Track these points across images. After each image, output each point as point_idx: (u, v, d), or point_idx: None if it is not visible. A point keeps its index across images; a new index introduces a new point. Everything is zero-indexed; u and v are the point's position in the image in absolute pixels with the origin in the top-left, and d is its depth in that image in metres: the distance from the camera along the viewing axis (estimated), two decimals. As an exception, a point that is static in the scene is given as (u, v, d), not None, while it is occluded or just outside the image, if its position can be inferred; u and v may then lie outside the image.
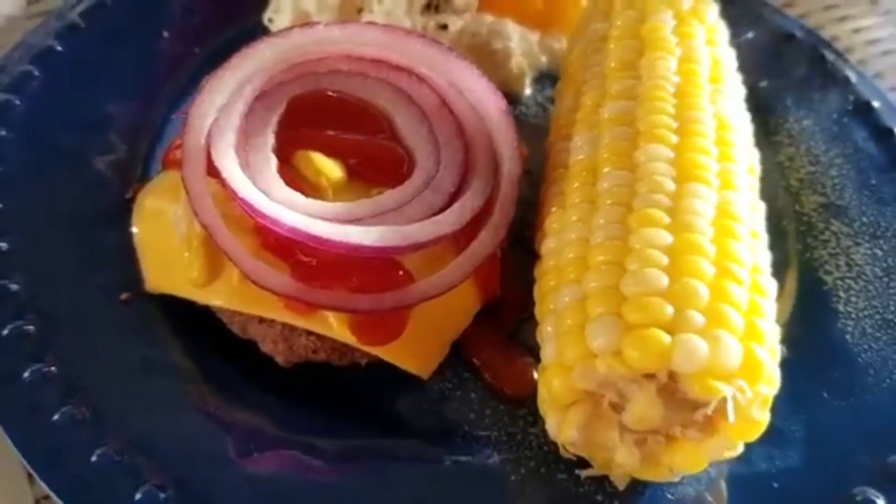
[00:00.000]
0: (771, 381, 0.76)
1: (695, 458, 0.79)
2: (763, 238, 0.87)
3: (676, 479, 0.82)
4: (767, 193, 0.96)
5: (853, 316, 0.97)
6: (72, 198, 0.95)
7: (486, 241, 0.87)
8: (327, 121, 0.90)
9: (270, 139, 0.87)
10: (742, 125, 0.95)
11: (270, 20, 1.19)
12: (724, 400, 0.72)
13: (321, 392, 0.87)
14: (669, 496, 0.82)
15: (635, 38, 0.99)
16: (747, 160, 0.92)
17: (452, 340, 0.90)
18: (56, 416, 0.79)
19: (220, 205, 0.82)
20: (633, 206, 0.82)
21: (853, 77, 1.22)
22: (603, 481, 0.81)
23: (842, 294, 0.99)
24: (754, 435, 0.77)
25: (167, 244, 0.87)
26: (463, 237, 0.86)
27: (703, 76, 0.95)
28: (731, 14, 1.09)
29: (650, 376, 0.74)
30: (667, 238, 0.78)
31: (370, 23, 0.97)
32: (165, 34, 1.14)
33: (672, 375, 0.73)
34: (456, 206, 0.86)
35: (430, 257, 0.85)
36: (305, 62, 0.92)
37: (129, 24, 1.12)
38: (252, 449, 0.81)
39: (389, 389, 0.89)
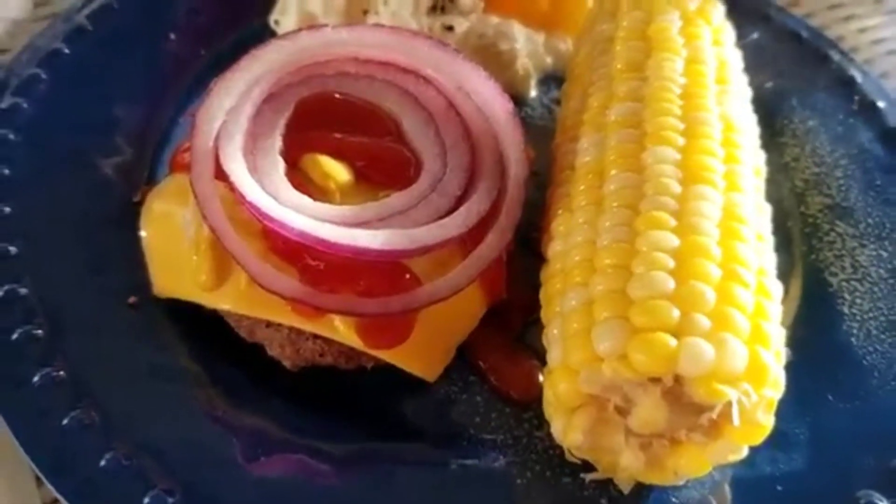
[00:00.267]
0: (776, 385, 0.76)
1: (699, 462, 0.79)
2: (769, 240, 0.87)
3: (681, 483, 0.82)
4: (772, 195, 0.96)
5: (858, 318, 0.97)
6: (79, 201, 0.95)
7: (493, 243, 0.87)
8: (334, 123, 0.90)
9: (278, 142, 0.87)
10: (748, 127, 0.95)
11: (276, 22, 1.19)
12: (730, 404, 0.72)
13: (328, 396, 0.88)
14: (674, 500, 0.82)
15: (642, 39, 0.99)
16: (753, 162, 0.92)
17: (458, 344, 0.90)
18: (65, 421, 0.79)
19: (228, 208, 0.83)
20: (640, 208, 0.82)
21: (859, 77, 1.22)
22: (608, 485, 0.82)
23: (847, 296, 0.99)
24: (759, 438, 0.77)
25: (175, 248, 0.87)
26: (469, 240, 0.87)
27: (709, 77, 0.95)
28: (737, 15, 1.09)
29: (656, 380, 0.74)
30: (673, 241, 0.78)
31: (377, 25, 0.98)
32: (172, 36, 1.14)
33: (678, 379, 0.73)
34: (462, 209, 0.86)
35: (436, 260, 0.85)
36: (313, 64, 0.93)
37: (135, 27, 1.13)
38: (259, 453, 0.82)
39: (395, 393, 0.89)
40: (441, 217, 0.86)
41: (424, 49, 0.94)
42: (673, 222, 0.80)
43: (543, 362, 0.84)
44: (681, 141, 0.87)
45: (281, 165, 0.86)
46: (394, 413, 0.88)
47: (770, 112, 1.15)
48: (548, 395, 0.80)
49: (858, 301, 0.99)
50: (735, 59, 1.04)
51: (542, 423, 0.85)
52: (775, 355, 0.77)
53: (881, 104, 1.18)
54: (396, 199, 0.86)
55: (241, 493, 0.78)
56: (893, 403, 0.90)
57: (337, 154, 0.88)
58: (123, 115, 1.05)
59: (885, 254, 1.02)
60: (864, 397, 0.90)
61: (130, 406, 0.82)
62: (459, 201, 0.88)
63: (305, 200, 0.83)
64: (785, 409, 0.78)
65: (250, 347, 0.88)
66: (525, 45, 1.20)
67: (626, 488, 0.81)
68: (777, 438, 0.78)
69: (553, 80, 1.22)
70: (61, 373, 0.82)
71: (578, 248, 0.83)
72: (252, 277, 0.81)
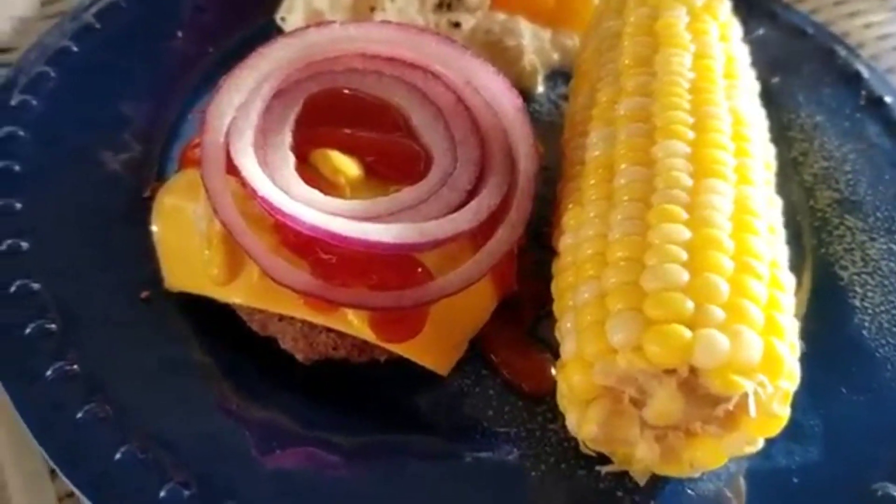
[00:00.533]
0: (791, 376, 0.76)
1: (715, 454, 0.79)
2: (780, 233, 0.87)
3: (696, 475, 0.82)
4: (781, 189, 0.96)
5: (870, 311, 0.97)
6: (90, 197, 0.96)
7: (504, 237, 0.87)
8: (344, 119, 0.90)
9: (288, 137, 0.87)
10: (757, 121, 0.96)
11: (283, 19, 1.19)
12: (746, 395, 0.72)
13: (340, 389, 0.88)
14: (689, 492, 0.82)
15: (649, 34, 0.99)
16: (763, 155, 0.92)
17: (471, 337, 0.90)
18: (79, 414, 0.79)
19: (239, 203, 0.83)
20: (651, 201, 0.82)
21: (865, 72, 1.22)
22: (623, 477, 0.82)
23: (858, 289, 0.99)
24: (775, 430, 0.77)
25: (187, 242, 0.87)
26: (480, 234, 0.87)
27: (717, 72, 0.95)
28: (742, 10, 1.09)
29: (671, 372, 0.74)
30: (685, 233, 0.78)
31: (385, 21, 0.98)
32: (179, 34, 1.14)
33: (693, 371, 0.73)
34: (473, 203, 0.86)
35: (448, 254, 0.85)
36: (321, 60, 0.93)
37: (143, 25, 1.13)
38: (273, 446, 0.82)
39: (408, 386, 0.89)
40: (452, 211, 0.86)
41: (432, 45, 0.94)
42: (685, 215, 0.80)
43: (555, 355, 0.84)
44: (691, 135, 0.87)
45: (291, 160, 0.86)
46: (406, 406, 0.88)
47: (778, 107, 1.16)
48: (562, 388, 0.80)
49: (870, 294, 0.99)
50: (742, 54, 1.04)
51: (555, 415, 0.85)
52: (790, 346, 0.77)
53: (888, 99, 1.18)
54: (407, 194, 0.86)
55: (256, 486, 0.78)
56: (907, 395, 0.90)
57: (346, 149, 0.88)
58: (131, 112, 1.05)
59: (895, 247, 1.03)
60: (877, 390, 0.91)
61: (144, 399, 0.82)
62: (470, 196, 0.88)
63: (316, 195, 0.83)
64: (799, 402, 0.78)
65: (262, 341, 0.88)
66: (532, 41, 1.20)
67: (641, 480, 0.81)
68: (792, 430, 0.78)
69: (560, 75, 1.22)
70: (75, 367, 0.82)
71: (590, 242, 0.83)
72: (264, 271, 0.81)
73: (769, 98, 1.08)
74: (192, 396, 0.83)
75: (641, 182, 0.84)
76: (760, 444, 0.79)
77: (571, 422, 0.80)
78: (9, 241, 0.89)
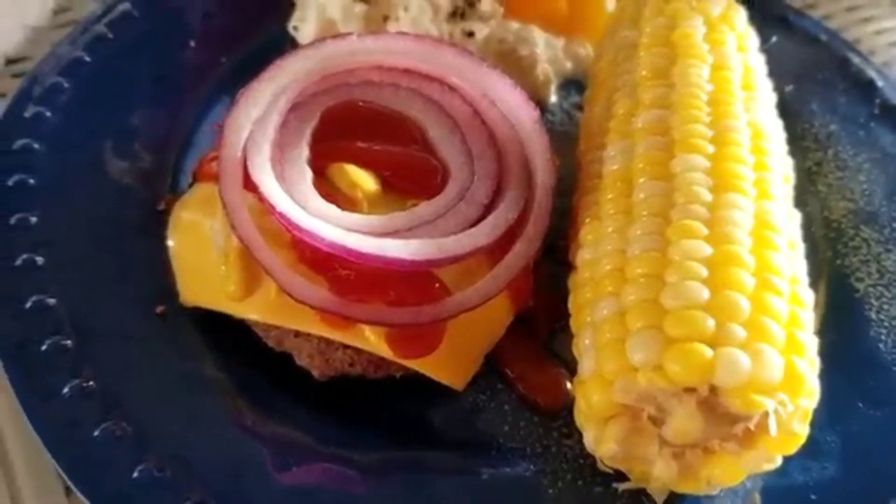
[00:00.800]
0: (811, 394, 0.76)
1: (733, 471, 0.78)
2: (800, 248, 0.87)
3: (714, 493, 0.81)
4: (796, 200, 0.95)
5: (886, 324, 0.97)
6: (103, 210, 0.95)
7: (521, 252, 0.86)
8: (360, 132, 0.90)
9: (305, 151, 0.87)
10: (776, 133, 0.95)
11: (296, 28, 1.19)
12: (766, 414, 0.72)
13: (355, 404, 0.87)
14: (707, 509, 0.82)
15: (666, 45, 0.99)
16: (782, 169, 0.92)
17: (486, 352, 0.90)
18: (96, 432, 0.79)
19: (256, 218, 0.82)
20: (671, 217, 0.82)
21: (879, 81, 1.22)
22: (640, 494, 0.81)
23: (874, 301, 0.99)
24: (793, 448, 0.77)
25: (203, 257, 0.87)
26: (497, 248, 0.86)
27: (736, 84, 0.95)
28: (755, 19, 1.08)
29: (691, 390, 0.73)
30: (706, 249, 0.78)
31: (402, 33, 0.97)
32: (192, 44, 1.14)
33: (713, 389, 0.73)
34: (490, 217, 0.86)
35: (464, 269, 0.85)
36: (337, 73, 0.92)
37: (155, 34, 1.13)
38: (289, 462, 0.81)
39: (423, 401, 0.89)
40: (469, 226, 0.85)
41: (449, 57, 0.94)
42: (705, 231, 0.80)
43: (570, 370, 0.83)
44: (710, 148, 0.87)
45: (308, 175, 0.85)
46: (422, 421, 0.88)
47: (791, 116, 1.14)
48: (580, 405, 0.80)
49: (886, 307, 0.98)
50: (759, 64, 1.03)
51: (571, 431, 0.85)
52: (810, 364, 0.76)
53: (902, 108, 1.18)
54: (424, 209, 0.86)
55: (272, 502, 0.78)
56: (925, 410, 0.89)
57: (363, 163, 0.88)
58: (145, 123, 1.05)
59: (911, 259, 1.02)
60: (894, 404, 0.90)
61: (160, 416, 0.81)
62: (487, 210, 0.87)
63: (333, 210, 0.83)
64: (816, 417, 0.77)
65: (278, 357, 0.88)
66: (545, 50, 1.20)
67: (659, 498, 0.80)
68: (808, 446, 0.78)
69: (573, 84, 1.22)
70: (91, 383, 0.82)
71: (608, 257, 0.83)
72: (281, 287, 0.81)
73: (783, 107, 1.06)
74: (207, 413, 0.83)
75: (660, 197, 0.84)
76: (779, 461, 0.78)
77: (589, 439, 0.80)
78: (24, 256, 0.89)
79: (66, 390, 0.81)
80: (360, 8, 1.14)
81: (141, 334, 0.87)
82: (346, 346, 0.85)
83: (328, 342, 0.85)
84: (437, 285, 0.83)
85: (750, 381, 0.71)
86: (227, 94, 1.06)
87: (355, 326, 0.82)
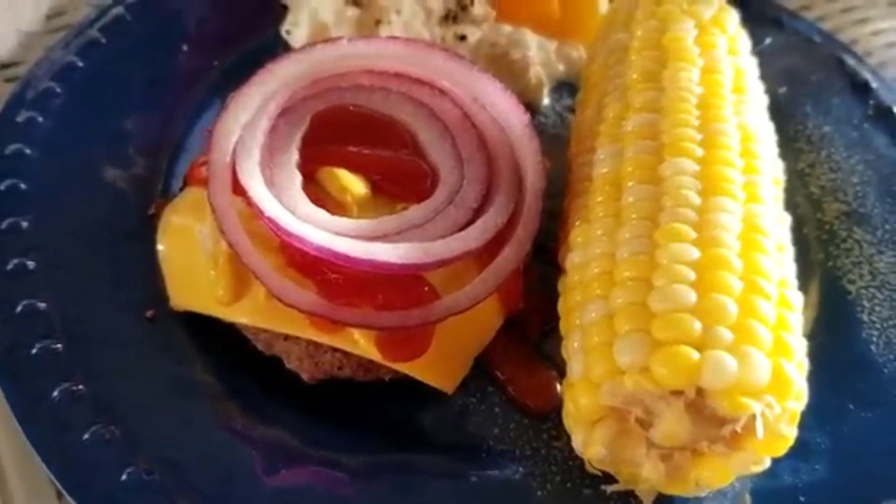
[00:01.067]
0: (799, 397, 0.76)
1: (721, 473, 0.78)
2: (789, 251, 0.87)
3: (703, 494, 0.81)
4: (788, 201, 0.95)
5: (878, 326, 0.97)
6: (95, 214, 0.95)
7: (511, 255, 0.87)
8: (350, 136, 0.90)
9: (295, 156, 0.87)
10: (766, 136, 0.95)
11: (288, 32, 1.19)
12: (753, 416, 0.72)
13: (345, 408, 0.88)
14: (696, 511, 0.82)
15: (657, 48, 0.99)
16: (772, 172, 0.91)
17: (476, 355, 0.90)
18: (86, 435, 0.79)
19: (245, 223, 0.83)
20: (659, 220, 0.82)
21: (873, 82, 1.21)
22: (629, 496, 0.81)
23: (866, 304, 0.99)
24: (782, 450, 0.77)
25: (192, 262, 0.87)
26: (487, 252, 0.86)
27: (726, 87, 0.95)
28: (749, 20, 1.08)
29: (678, 393, 0.73)
30: (694, 253, 0.78)
31: (393, 37, 0.97)
32: (185, 48, 1.14)
33: (700, 392, 0.73)
34: (480, 221, 0.86)
35: (454, 273, 0.85)
36: (328, 77, 0.93)
37: (148, 39, 1.13)
38: (279, 465, 0.82)
39: (413, 404, 0.89)
40: (459, 230, 0.86)
41: (439, 61, 0.94)
42: (693, 234, 0.80)
43: (561, 372, 0.83)
44: (699, 152, 0.87)
45: (298, 179, 0.86)
46: (411, 424, 0.88)
47: (784, 118, 1.15)
48: (568, 408, 0.80)
49: (878, 308, 0.98)
50: (751, 67, 1.03)
51: (560, 433, 0.85)
52: (798, 367, 0.76)
53: (897, 109, 1.18)
54: (414, 213, 0.86)
55: (261, 506, 0.78)
56: (916, 412, 0.89)
57: (353, 167, 0.88)
58: (137, 127, 1.05)
59: (903, 261, 1.02)
60: (885, 406, 0.90)
61: (150, 420, 0.82)
62: (477, 213, 0.88)
63: (323, 214, 0.83)
64: (806, 419, 0.77)
65: (267, 360, 0.88)
66: (538, 52, 1.20)
67: (647, 500, 0.80)
68: (798, 448, 0.78)
69: (565, 87, 1.22)
70: (81, 387, 0.82)
71: (597, 261, 0.83)
72: (270, 291, 0.81)
73: (776, 109, 1.07)
74: (197, 416, 0.83)
75: (649, 200, 0.84)
76: (767, 463, 0.78)
77: (577, 442, 0.80)
78: (15, 261, 0.89)
79: (55, 394, 0.81)
80: (352, 12, 1.14)
81: (131, 338, 0.87)
82: (336, 350, 0.85)
83: (317, 345, 0.85)
84: (426, 289, 0.83)
85: (737, 383, 0.71)
86: (221, 99, 1.05)
87: (344, 330, 0.83)
